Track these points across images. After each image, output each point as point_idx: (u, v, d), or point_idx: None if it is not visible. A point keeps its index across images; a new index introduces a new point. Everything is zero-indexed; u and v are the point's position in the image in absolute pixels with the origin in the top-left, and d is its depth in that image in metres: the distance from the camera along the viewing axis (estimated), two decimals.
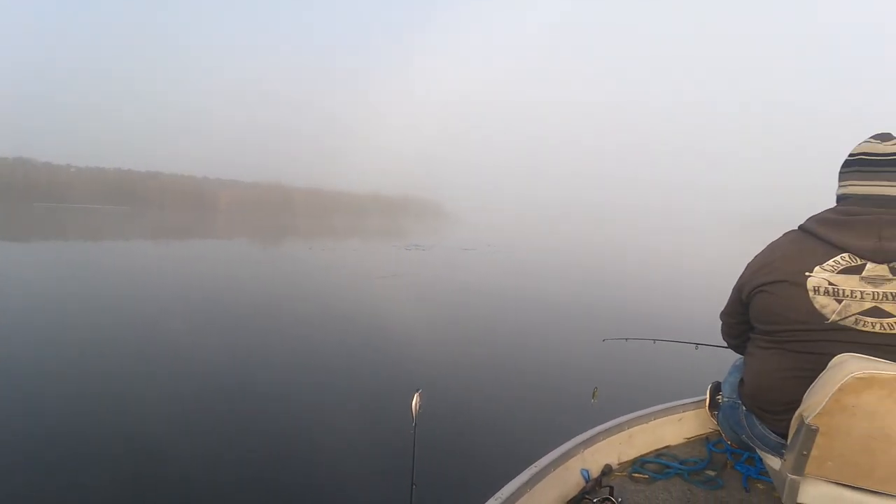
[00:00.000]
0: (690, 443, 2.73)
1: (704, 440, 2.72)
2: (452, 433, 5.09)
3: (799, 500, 1.43)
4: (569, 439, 2.32)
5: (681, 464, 2.47)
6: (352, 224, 70.20)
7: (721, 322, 1.89)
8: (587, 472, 2.27)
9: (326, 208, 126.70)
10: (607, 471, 2.35)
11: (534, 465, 2.04)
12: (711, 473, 2.40)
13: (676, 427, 2.75)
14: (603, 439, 2.42)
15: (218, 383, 6.58)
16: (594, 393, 3.06)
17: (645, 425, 2.63)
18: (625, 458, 2.51)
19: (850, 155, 1.54)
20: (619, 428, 2.52)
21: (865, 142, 1.53)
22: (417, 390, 1.87)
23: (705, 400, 2.43)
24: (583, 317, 12.46)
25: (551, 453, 2.16)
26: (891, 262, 1.36)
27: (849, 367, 1.26)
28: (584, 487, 2.19)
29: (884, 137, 1.50)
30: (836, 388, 1.25)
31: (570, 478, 2.20)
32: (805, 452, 1.35)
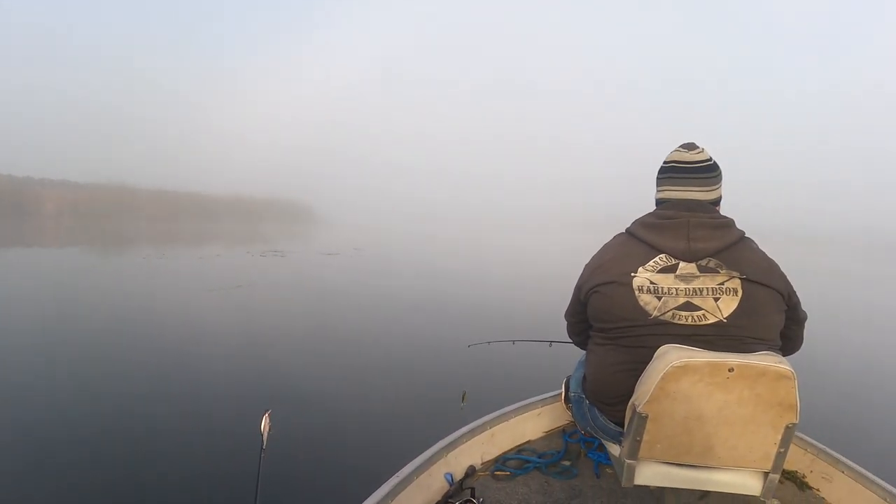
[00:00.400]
0: (549, 436, 2.87)
1: (561, 432, 2.87)
2: (310, 452, 4.79)
3: (636, 482, 1.56)
4: (432, 445, 2.32)
5: (539, 457, 2.59)
6: (206, 229, 63.93)
7: (566, 322, 2.00)
8: (451, 475, 2.28)
9: (178, 212, 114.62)
10: (470, 472, 2.38)
11: (396, 474, 2.01)
12: (567, 463, 2.54)
13: (536, 422, 2.87)
14: (466, 441, 2.46)
15: (25, 418, 5.48)
16: (463, 397, 3.11)
17: (506, 423, 2.71)
18: (488, 458, 2.56)
19: (664, 162, 1.71)
20: (481, 428, 2.57)
21: (675, 151, 1.71)
22: (266, 410, 1.75)
23: (561, 394, 2.55)
24: (448, 321, 12.52)
25: (415, 461, 2.14)
26: (698, 260, 1.53)
27: (669, 357, 1.38)
28: (448, 491, 2.20)
29: (690, 147, 1.69)
30: (660, 377, 1.37)
31: (433, 483, 2.20)
32: (638, 438, 1.48)
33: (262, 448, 1.70)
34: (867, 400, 7.26)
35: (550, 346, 3.31)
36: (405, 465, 2.11)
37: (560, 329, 2.19)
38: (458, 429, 2.49)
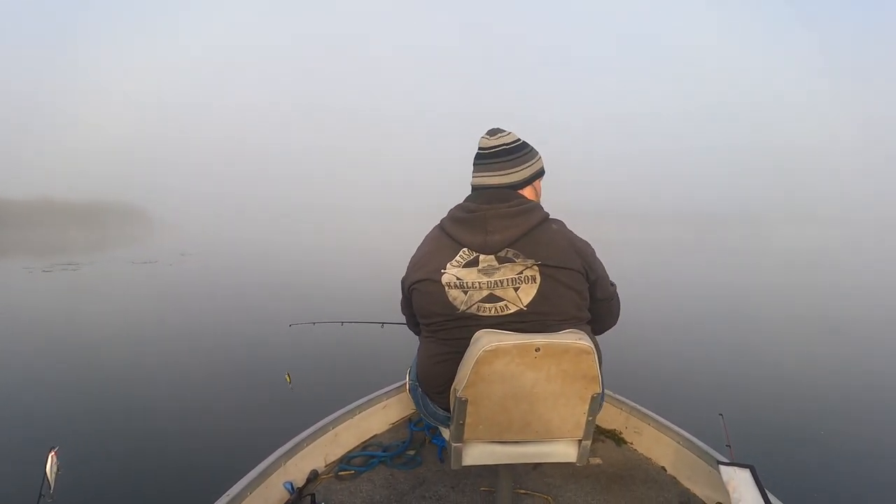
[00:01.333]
0: (395, 427, 2.87)
1: (407, 421, 2.88)
2: (118, 487, 4.18)
3: (464, 464, 1.62)
4: (270, 454, 2.18)
5: (384, 451, 2.57)
6: None
7: (404, 315, 2.01)
8: (291, 483, 2.17)
9: None
10: (313, 477, 2.29)
11: (225, 494, 1.85)
12: (411, 453, 2.56)
13: (381, 415, 2.85)
14: (307, 445, 2.36)
15: None
16: (287, 378, 2.98)
17: (350, 420, 2.65)
18: (332, 459, 2.49)
19: (478, 148, 1.75)
20: (323, 430, 2.48)
21: (482, 137, 1.76)
22: (53, 448, 1.51)
23: (406, 383, 2.55)
24: (271, 307, 12.00)
25: (248, 475, 2.00)
26: (497, 252, 1.59)
27: (482, 342, 1.44)
28: (287, 501, 2.10)
29: (493, 132, 1.75)
30: (474, 361, 1.42)
31: (271, 496, 2.08)
32: (461, 421, 1.52)
33: (47, 492, 1.46)
34: (672, 357, 8.36)
35: (382, 327, 3.30)
36: (238, 481, 1.96)
37: (393, 311, 2.18)
38: (298, 433, 2.38)
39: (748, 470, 1.96)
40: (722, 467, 2.01)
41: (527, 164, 1.73)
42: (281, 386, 3.14)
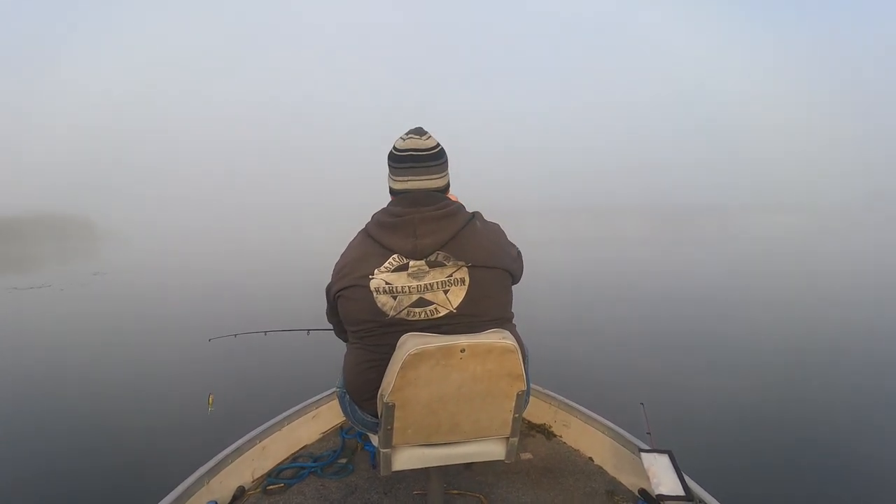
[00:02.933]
0: (326, 436, 2.80)
1: (339, 430, 2.82)
2: None
3: (394, 469, 1.61)
4: (191, 473, 2.07)
5: (314, 461, 2.50)
6: None
7: (331, 323, 1.97)
8: (216, 502, 2.08)
9: None
10: (239, 493, 2.21)
11: None
12: (343, 461, 2.51)
13: (312, 425, 2.78)
14: (233, 461, 2.27)
15: None
16: (209, 400, 2.86)
17: (279, 432, 2.57)
18: (260, 473, 2.40)
19: (398, 150, 1.68)
20: (250, 443, 2.39)
21: (409, 137, 1.68)
22: None
23: (335, 391, 2.50)
24: (189, 320, 11.44)
25: (168, 496, 1.89)
26: (427, 256, 1.58)
27: (406, 346, 1.43)
28: None
29: (420, 132, 1.70)
30: (400, 365, 1.41)
31: None
32: (389, 427, 1.51)
33: None
34: (597, 349, 8.66)
35: (308, 334, 3.23)
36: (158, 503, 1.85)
37: (318, 317, 2.14)
38: (222, 449, 2.27)
39: (667, 455, 2.08)
40: (643, 454, 2.11)
41: (447, 169, 1.74)
42: (203, 403, 2.99)
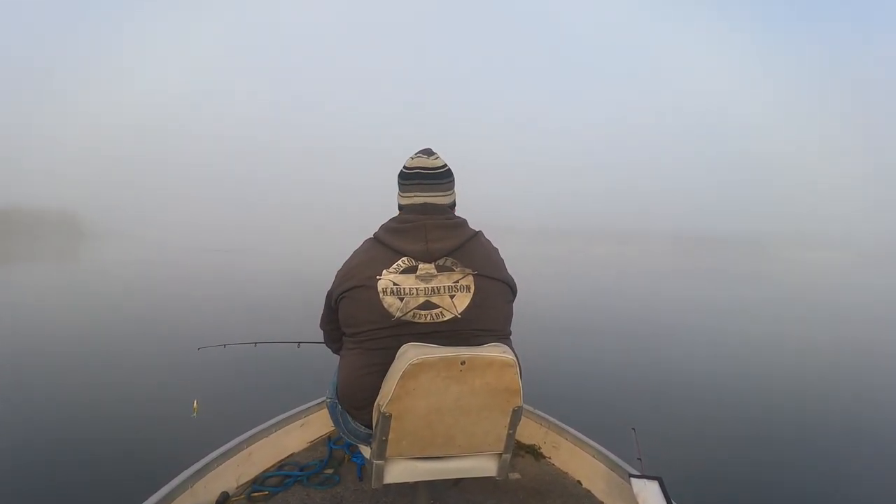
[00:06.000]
0: (314, 445, 2.77)
1: (327, 440, 2.78)
2: None
3: (385, 481, 1.59)
4: (175, 476, 2.04)
5: (301, 470, 2.48)
6: None
7: (322, 331, 1.98)
8: None
9: None
10: (223, 499, 2.17)
11: None
12: (329, 472, 2.49)
13: (300, 433, 2.75)
14: (218, 465, 2.23)
15: None
16: (194, 407, 2.83)
17: (266, 439, 2.54)
18: (244, 480, 2.37)
19: (407, 168, 1.76)
20: (237, 448, 2.36)
21: (417, 157, 1.77)
22: None
23: (325, 400, 2.48)
24: (178, 328, 11.25)
25: (150, 498, 1.86)
26: (436, 260, 1.62)
27: (407, 355, 1.43)
28: None
29: (429, 153, 1.78)
30: (400, 375, 1.41)
31: None
32: (384, 438, 1.50)
33: None
34: (590, 372, 8.63)
35: (299, 346, 3.21)
36: None
37: (310, 330, 2.12)
38: (208, 453, 2.25)
39: (657, 482, 2.06)
40: (633, 479, 2.09)
41: (454, 189, 1.81)
42: (189, 411, 2.95)
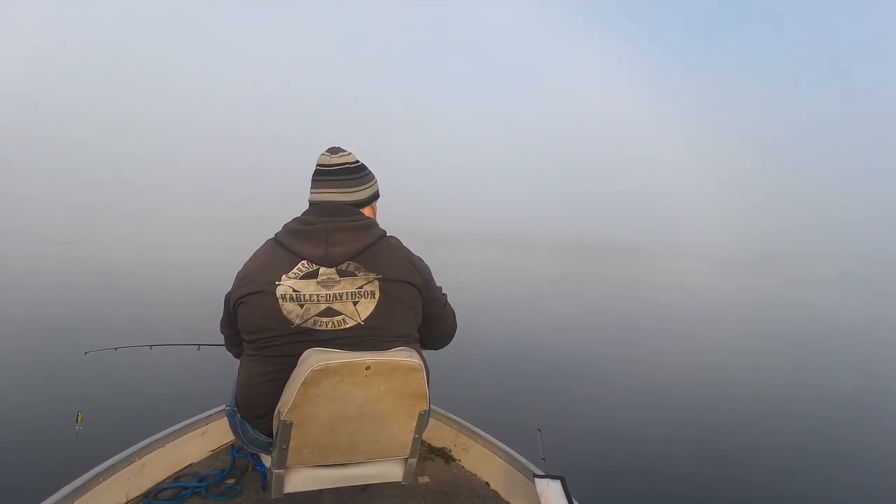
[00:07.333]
0: (216, 454, 2.64)
1: (230, 448, 2.66)
2: None
3: (286, 491, 1.54)
4: (54, 493, 1.86)
5: (199, 481, 2.35)
6: None
7: (223, 335, 1.89)
8: None
9: None
10: None
11: None
12: (231, 482, 2.37)
13: (200, 442, 2.61)
14: (104, 480, 2.06)
15: None
16: (78, 418, 2.62)
17: (162, 449, 2.38)
18: (135, 494, 2.20)
19: (316, 165, 1.73)
20: (127, 460, 2.20)
21: (321, 155, 1.74)
22: None
23: (225, 408, 2.36)
24: (63, 330, 10.37)
25: None
26: (338, 264, 1.57)
27: (309, 361, 1.39)
28: None
29: (334, 151, 1.75)
30: (301, 381, 1.36)
31: None
32: (285, 446, 1.45)
33: None
34: (500, 375, 8.84)
35: (199, 349, 3.06)
36: None
37: (212, 332, 2.02)
38: (93, 467, 2.07)
39: (559, 481, 2.13)
40: (537, 479, 2.15)
41: (367, 185, 1.76)
42: (72, 424, 2.71)
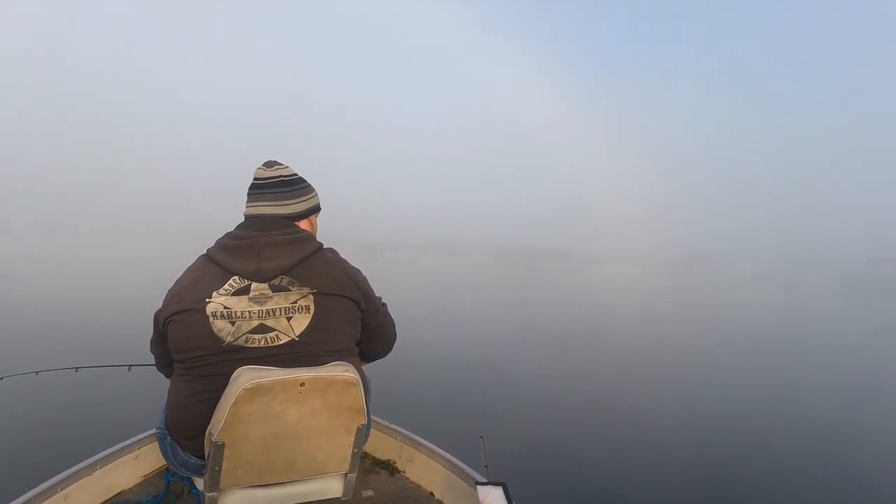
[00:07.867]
0: (148, 480, 2.52)
1: (165, 472, 2.55)
2: None
3: None
4: None
5: None
6: None
7: (153, 355, 1.82)
8: None
9: None
10: None
11: None
12: None
13: (131, 467, 2.48)
14: None
15: None
16: None
17: (88, 477, 2.25)
18: None
19: (253, 178, 1.72)
20: (49, 492, 2.06)
21: (258, 168, 1.73)
22: None
23: (155, 431, 2.27)
24: None
25: None
26: (271, 280, 1.54)
27: (241, 380, 1.36)
28: None
29: (269, 164, 1.74)
30: (232, 401, 1.34)
31: None
32: (217, 468, 1.41)
33: None
34: (443, 384, 8.87)
35: (130, 370, 2.92)
36: None
37: (142, 351, 1.94)
38: (9, 503, 1.94)
39: (501, 487, 2.16)
40: (479, 487, 2.17)
41: (303, 198, 1.74)
42: None
